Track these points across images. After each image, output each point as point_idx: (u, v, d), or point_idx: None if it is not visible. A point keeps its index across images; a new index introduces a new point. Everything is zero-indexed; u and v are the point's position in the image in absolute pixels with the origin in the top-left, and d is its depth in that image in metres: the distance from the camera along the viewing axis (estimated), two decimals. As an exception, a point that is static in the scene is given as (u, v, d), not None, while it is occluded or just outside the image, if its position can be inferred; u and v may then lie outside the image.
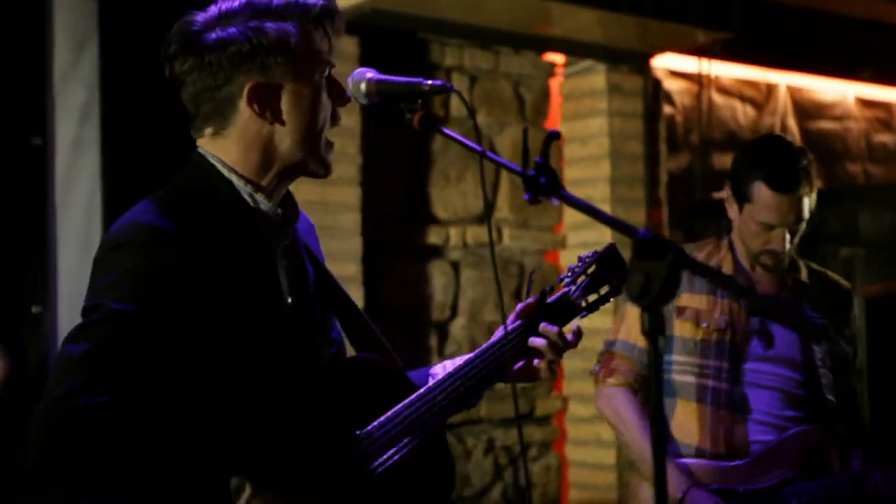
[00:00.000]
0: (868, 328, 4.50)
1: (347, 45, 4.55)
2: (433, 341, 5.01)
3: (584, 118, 5.42)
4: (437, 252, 5.05)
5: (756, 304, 1.99)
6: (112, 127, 4.29)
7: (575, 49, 5.30)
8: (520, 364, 2.28)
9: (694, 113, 5.81)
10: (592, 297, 2.37)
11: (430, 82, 2.08)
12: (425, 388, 2.18)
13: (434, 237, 5.05)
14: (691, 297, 3.20)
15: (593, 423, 5.26)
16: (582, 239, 5.37)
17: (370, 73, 2.13)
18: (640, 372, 3.23)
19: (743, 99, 6.10)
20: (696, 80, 5.83)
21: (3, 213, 4.12)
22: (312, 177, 2.14)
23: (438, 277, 5.05)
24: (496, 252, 5.22)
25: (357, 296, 4.52)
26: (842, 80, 6.43)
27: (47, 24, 4.20)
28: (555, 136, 1.91)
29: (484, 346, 2.27)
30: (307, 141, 2.08)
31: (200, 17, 2.05)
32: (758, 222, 3.15)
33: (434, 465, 2.19)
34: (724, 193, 3.27)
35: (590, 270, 2.38)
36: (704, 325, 3.18)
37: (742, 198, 3.18)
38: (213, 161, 2.07)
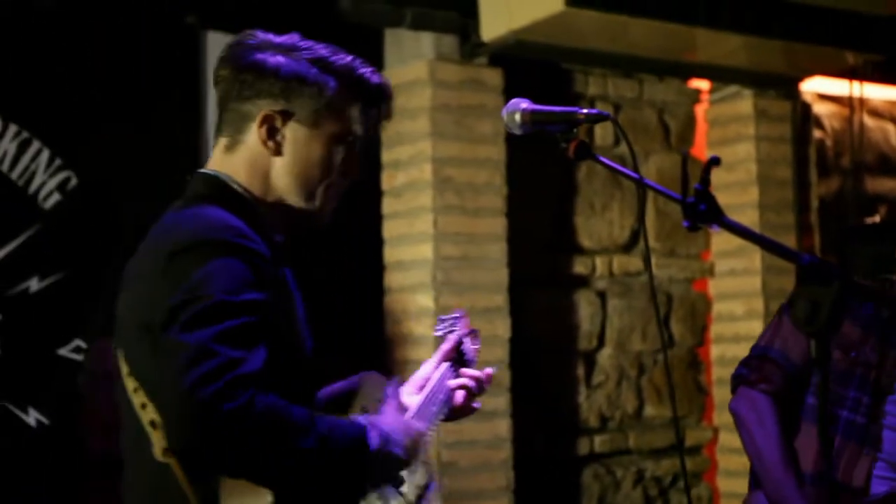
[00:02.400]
0: None
1: (492, 76, 4.60)
2: (580, 371, 4.99)
3: (730, 144, 5.36)
4: (583, 282, 5.04)
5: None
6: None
7: (720, 75, 5.26)
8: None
9: (845, 136, 5.69)
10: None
11: (585, 111, 2.11)
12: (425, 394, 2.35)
13: (580, 267, 5.04)
14: (846, 325, 3.09)
15: (744, 454, 5.16)
16: (731, 266, 5.30)
17: (525, 104, 2.16)
18: (790, 384, 3.11)
19: (895, 121, 5.96)
20: (847, 103, 5.72)
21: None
22: (307, 227, 2.16)
23: (585, 307, 5.04)
24: (643, 281, 5.18)
25: (504, 327, 4.53)
26: None
27: (203, 64, 4.33)
28: (715, 161, 1.92)
29: (430, 387, 2.37)
30: (300, 186, 2.11)
31: (264, 36, 2.14)
32: None
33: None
34: None
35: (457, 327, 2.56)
36: (853, 354, 3.08)
37: None
38: (226, 181, 2.10)
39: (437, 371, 2.40)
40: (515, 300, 4.63)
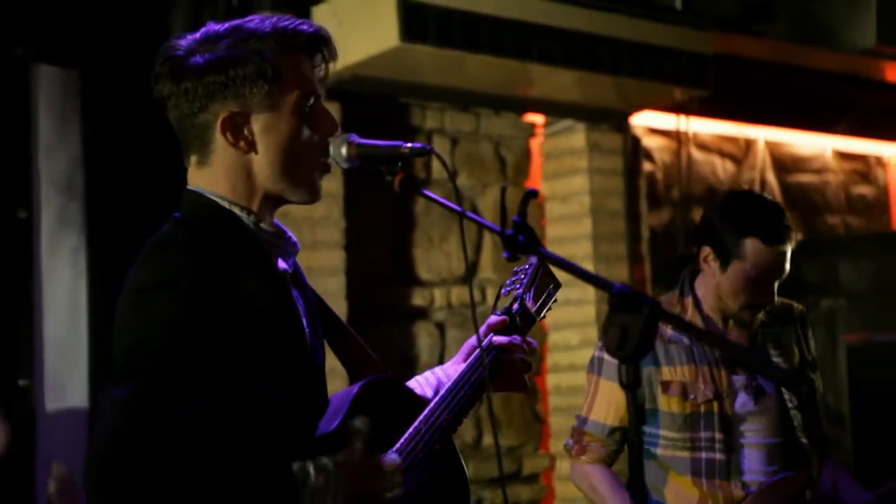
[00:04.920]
0: (850, 377, 4.53)
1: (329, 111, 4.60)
2: (421, 403, 5.02)
3: (564, 177, 5.48)
4: (422, 313, 5.07)
5: (734, 356, 2.00)
6: (96, 199, 4.33)
7: (554, 109, 5.38)
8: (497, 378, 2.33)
9: (674, 169, 5.88)
10: (542, 303, 2.44)
11: (409, 145, 2.09)
12: (433, 404, 2.19)
13: (419, 299, 5.08)
14: (673, 371, 3.14)
15: (583, 481, 5.26)
16: (565, 296, 5.37)
17: (351, 138, 2.15)
18: (611, 451, 3.21)
19: (722, 154, 6.17)
20: (675, 136, 5.91)
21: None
22: (299, 203, 2.12)
23: (424, 338, 5.07)
24: (479, 311, 5.24)
25: (343, 359, 4.53)
26: (819, 133, 6.52)
27: (31, 98, 4.25)
28: (532, 194, 1.95)
29: (465, 366, 2.28)
30: (286, 170, 2.05)
31: (185, 41, 2.05)
32: (748, 279, 3.12)
33: (453, 477, 2.21)
34: (703, 252, 3.20)
35: (535, 279, 2.44)
36: (691, 397, 3.13)
37: (729, 255, 3.14)
38: (205, 194, 2.05)
39: (476, 352, 2.28)
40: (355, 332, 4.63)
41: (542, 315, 2.45)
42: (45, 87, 4.25)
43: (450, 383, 2.24)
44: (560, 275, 5.71)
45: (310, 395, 2.05)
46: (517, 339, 2.32)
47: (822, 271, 5.13)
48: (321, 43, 2.09)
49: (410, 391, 2.23)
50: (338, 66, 4.58)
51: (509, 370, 2.32)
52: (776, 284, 3.17)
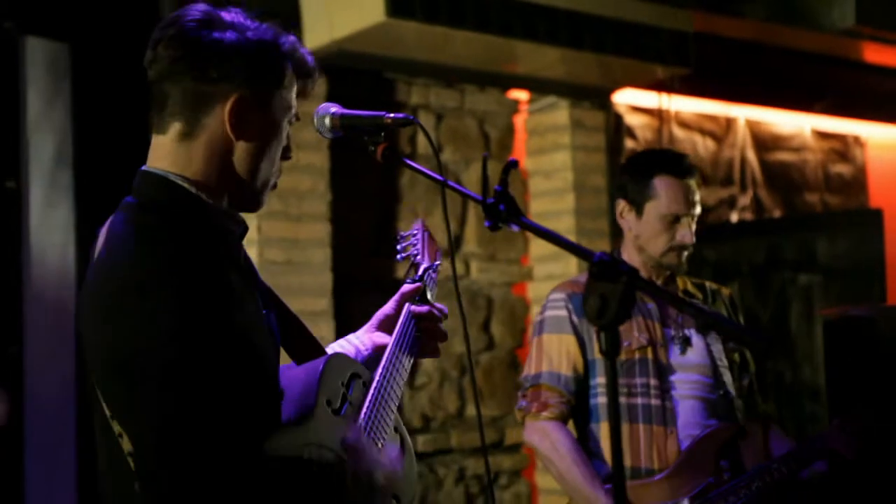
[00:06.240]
0: (826, 352, 4.61)
1: (315, 84, 4.65)
2: (404, 374, 5.08)
3: (548, 153, 5.54)
4: (406, 286, 5.12)
5: (704, 319, 2.08)
6: (85, 170, 4.37)
7: (538, 86, 5.42)
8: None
9: (655, 146, 5.94)
10: (436, 267, 2.56)
11: (392, 115, 2.14)
12: (379, 377, 2.23)
13: (403, 271, 5.12)
14: None
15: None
16: (548, 271, 5.47)
17: (334, 108, 2.20)
18: (569, 401, 3.26)
19: (703, 132, 6.23)
20: (657, 114, 5.97)
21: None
22: (244, 209, 2.11)
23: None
24: (464, 285, 5.31)
25: (328, 330, 4.59)
26: (799, 112, 6.59)
27: (21, 70, 4.29)
28: (513, 164, 2.00)
29: (396, 334, 2.34)
30: (260, 167, 2.05)
31: (195, 12, 2.01)
32: (663, 215, 3.25)
33: (402, 445, 2.25)
34: (619, 208, 3.35)
35: (425, 244, 2.57)
36: (626, 344, 3.23)
37: (642, 200, 3.29)
38: (169, 177, 2.01)
39: (400, 319, 2.35)
40: (339, 304, 4.70)
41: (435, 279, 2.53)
42: (35, 59, 4.29)
43: (387, 354, 2.28)
44: (543, 247, 5.77)
45: (273, 376, 2.07)
46: (430, 308, 2.40)
47: (800, 247, 5.21)
48: (313, 76, 2.13)
49: (359, 364, 2.25)
50: (324, 40, 4.67)
51: (426, 338, 2.39)
52: (692, 223, 3.28)
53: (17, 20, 4.23)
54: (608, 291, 1.81)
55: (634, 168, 3.39)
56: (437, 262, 2.58)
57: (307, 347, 2.25)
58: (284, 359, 2.19)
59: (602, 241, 5.47)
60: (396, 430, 2.23)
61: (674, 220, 3.27)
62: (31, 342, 4.30)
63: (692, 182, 3.30)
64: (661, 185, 3.27)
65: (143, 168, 2.05)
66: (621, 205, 3.35)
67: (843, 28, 5.73)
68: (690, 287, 3.43)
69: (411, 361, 2.32)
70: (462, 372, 5.27)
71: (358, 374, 2.19)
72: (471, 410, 5.26)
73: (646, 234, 3.30)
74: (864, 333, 4.59)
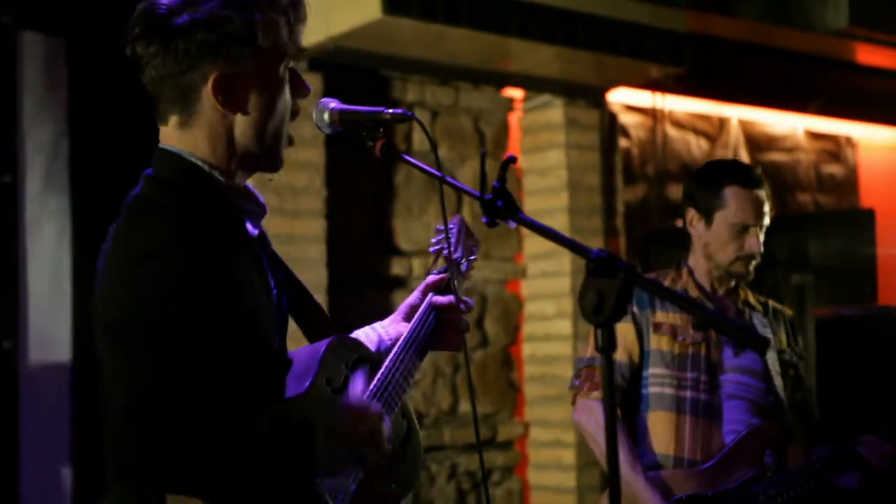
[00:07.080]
0: (818, 351, 4.63)
1: (311, 82, 4.63)
2: (398, 370, 5.09)
3: (542, 151, 5.56)
4: (400, 282, 5.15)
5: (701, 317, 2.09)
6: (81, 164, 4.38)
7: (533, 84, 5.44)
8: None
9: (649, 146, 5.96)
10: (469, 261, 2.53)
11: (391, 111, 2.15)
12: (387, 364, 2.23)
13: (398, 268, 5.16)
14: (666, 315, 3.31)
15: (554, 448, 5.37)
16: (542, 268, 5.49)
17: (333, 103, 2.20)
18: (620, 385, 3.30)
19: (696, 132, 6.26)
20: (651, 114, 5.99)
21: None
22: (265, 171, 2.12)
23: (402, 308, 5.14)
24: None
25: (323, 326, 4.60)
26: (791, 113, 6.62)
27: (18, 64, 4.29)
28: (511, 160, 2.00)
29: (412, 325, 2.33)
30: (267, 133, 2.06)
31: (165, 1, 2.00)
32: (732, 225, 3.29)
33: (409, 434, 2.26)
34: (688, 216, 3.40)
35: (461, 237, 2.52)
36: (680, 338, 3.29)
37: (711, 209, 3.33)
38: (184, 155, 2.03)
39: (420, 310, 2.34)
40: (335, 300, 4.71)
41: (469, 272, 2.53)
42: (32, 54, 4.29)
43: (399, 343, 2.28)
44: (536, 245, 5.78)
45: (279, 355, 2.08)
46: (454, 299, 2.37)
47: (792, 247, 5.24)
48: (294, 5, 2.09)
49: (369, 350, 2.26)
50: (321, 37, 4.68)
51: (448, 330, 2.36)
52: (760, 234, 3.32)
53: (13, 14, 4.23)
54: (605, 288, 1.81)
55: (704, 177, 3.43)
56: (473, 257, 2.56)
57: (321, 329, 2.25)
58: (299, 341, 2.20)
59: (596, 239, 5.48)
60: (404, 416, 2.24)
61: (742, 230, 3.31)
62: (28, 333, 4.30)
63: (762, 193, 3.33)
64: (731, 195, 3.32)
65: (160, 145, 2.08)
66: (691, 213, 3.40)
67: (836, 29, 5.75)
68: (752, 299, 3.46)
69: (426, 352, 2.31)
70: (455, 369, 5.28)
71: (364, 358, 2.18)
72: (464, 407, 5.28)
73: (715, 243, 3.35)
74: (855, 333, 4.62)
